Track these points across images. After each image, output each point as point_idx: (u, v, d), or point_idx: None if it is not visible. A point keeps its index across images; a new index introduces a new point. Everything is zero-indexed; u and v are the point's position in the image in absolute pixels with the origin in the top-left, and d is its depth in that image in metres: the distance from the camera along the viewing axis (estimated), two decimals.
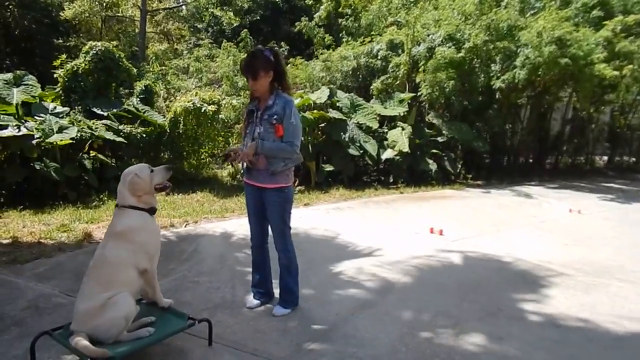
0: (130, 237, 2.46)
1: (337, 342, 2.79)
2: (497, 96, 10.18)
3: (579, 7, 9.47)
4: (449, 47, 9.69)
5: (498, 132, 11.20)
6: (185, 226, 5.56)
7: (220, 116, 9.11)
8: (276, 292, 3.26)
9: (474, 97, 9.97)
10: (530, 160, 12.37)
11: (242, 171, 3.11)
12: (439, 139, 9.89)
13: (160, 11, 21.38)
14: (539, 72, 8.79)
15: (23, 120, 7.11)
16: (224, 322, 2.99)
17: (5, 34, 15.80)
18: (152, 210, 2.62)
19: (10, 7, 16.35)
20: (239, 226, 5.37)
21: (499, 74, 9.32)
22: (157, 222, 2.70)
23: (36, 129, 6.79)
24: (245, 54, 2.99)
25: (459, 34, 9.97)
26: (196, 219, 5.89)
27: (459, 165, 10.13)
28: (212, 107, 8.57)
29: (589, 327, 3.15)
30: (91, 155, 7.73)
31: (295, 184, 8.94)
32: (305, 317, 3.10)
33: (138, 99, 9.24)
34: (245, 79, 2.97)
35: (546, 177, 11.09)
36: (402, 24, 11.01)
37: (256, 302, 3.24)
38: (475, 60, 9.78)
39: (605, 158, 14.38)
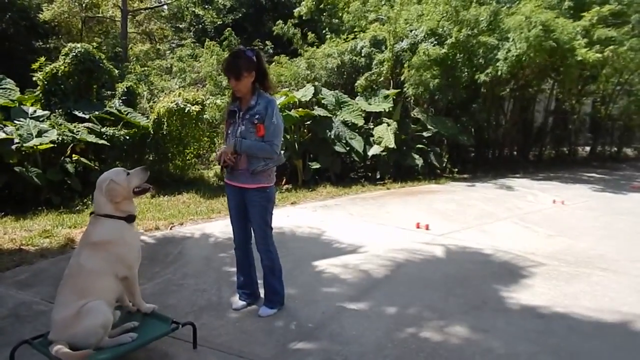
0: (106, 248, 2.40)
1: (323, 341, 2.79)
2: (481, 90, 10.26)
3: None
4: (432, 44, 9.74)
5: (483, 125, 11.31)
6: (170, 228, 5.51)
7: (204, 116, 9.04)
8: (262, 292, 3.25)
9: (458, 91, 10.04)
10: (515, 153, 12.51)
11: (222, 171, 3.08)
12: (425, 134, 9.94)
13: (141, 11, 21.11)
14: (524, 59, 8.86)
15: (2, 125, 6.97)
16: (209, 324, 2.97)
17: None
18: (130, 218, 2.53)
19: None
20: (225, 227, 5.31)
21: (482, 69, 9.39)
22: (135, 230, 2.65)
23: (15, 133, 6.66)
24: (228, 54, 2.95)
25: (441, 29, 10.02)
26: (182, 221, 5.83)
27: (445, 160, 10.20)
28: (196, 107, 8.49)
29: (571, 317, 3.20)
30: (74, 158, 7.61)
31: (283, 183, 8.92)
32: (291, 317, 3.09)
33: (120, 101, 9.12)
34: (227, 79, 2.93)
35: (530, 169, 11.23)
36: (384, 20, 11.01)
37: (242, 303, 3.22)
38: (458, 55, 9.85)
39: (588, 148, 14.60)
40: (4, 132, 6.66)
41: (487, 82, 9.57)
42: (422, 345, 2.77)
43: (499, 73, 9.09)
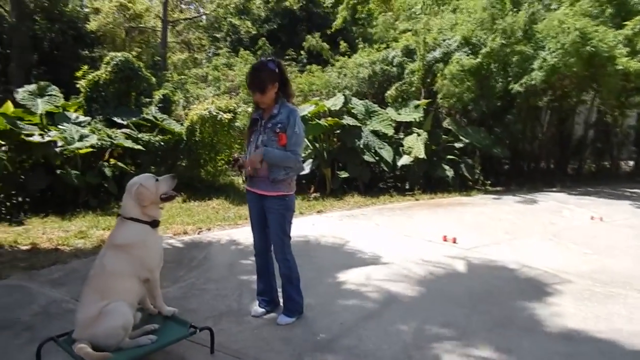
0: (129, 251, 2.48)
1: (340, 353, 2.77)
2: (516, 100, 9.97)
3: (593, 4, 9.22)
4: (466, 53, 9.59)
5: (517, 137, 10.98)
6: (198, 233, 5.63)
7: (236, 124, 9.23)
8: (282, 300, 3.27)
9: (492, 102, 9.81)
10: (552, 166, 12.05)
11: (244, 179, 3.14)
12: (456, 144, 9.76)
13: (181, 21, 21.86)
14: (559, 68, 8.57)
15: (46, 130, 7.36)
16: (227, 330, 3.00)
17: (34, 46, 16.42)
18: (154, 223, 2.61)
19: (39, 19, 17.00)
20: (251, 234, 5.37)
21: (517, 78, 9.15)
22: (159, 235, 2.72)
23: (58, 137, 7.02)
24: (251, 67, 3.00)
25: (475, 39, 9.86)
26: (209, 226, 5.95)
27: (477, 172, 9.95)
28: (227, 115, 8.69)
29: (603, 340, 3.03)
30: (111, 163, 7.93)
31: (311, 191, 8.96)
32: (309, 326, 3.09)
33: (157, 108, 9.45)
34: (252, 93, 2.98)
35: (568, 183, 10.78)
36: (414, 30, 10.95)
37: (261, 310, 3.25)
38: (493, 65, 9.64)
39: (631, 163, 13.88)
40: (49, 136, 7.02)
41: (522, 92, 9.30)
42: None
43: (534, 83, 8.83)
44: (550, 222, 6.68)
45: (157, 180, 2.65)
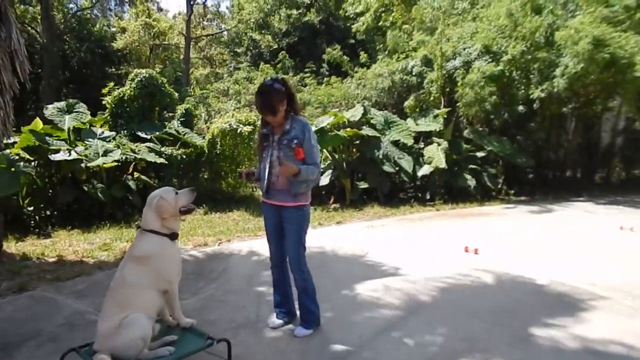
0: (147, 263, 2.52)
1: None
2: (538, 107, 9.78)
3: (620, 10, 9.01)
4: (486, 61, 9.50)
5: (541, 145, 10.75)
6: (218, 244, 5.70)
7: (256, 136, 9.34)
8: (298, 312, 3.26)
9: (514, 109, 9.65)
10: (578, 175, 11.74)
11: (253, 189, 3.21)
12: (478, 153, 9.63)
13: (203, 37, 22.41)
14: (580, 74, 8.41)
15: (74, 145, 7.61)
16: (245, 341, 3.01)
17: (63, 64, 17.11)
18: (173, 236, 2.65)
19: (68, 39, 17.73)
20: None
21: (538, 85, 8.99)
22: (177, 247, 2.76)
23: (83, 154, 7.24)
24: (256, 91, 3.05)
25: (496, 46, 9.76)
26: (229, 238, 6.01)
27: (500, 181, 9.78)
28: (247, 128, 8.81)
29: (632, 356, 2.91)
30: (135, 176, 8.13)
31: (330, 202, 8.96)
32: (326, 339, 3.07)
33: (179, 122, 9.66)
34: (262, 114, 3.01)
35: (596, 192, 10.48)
36: (428, 41, 10.91)
37: (279, 322, 3.24)
38: (515, 72, 9.51)
39: None
40: (75, 152, 7.26)
41: (544, 98, 9.12)
42: None
43: (555, 89, 8.66)
44: (577, 232, 6.49)
45: (176, 193, 2.70)
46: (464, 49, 10.17)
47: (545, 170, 11.36)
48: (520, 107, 9.80)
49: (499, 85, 9.47)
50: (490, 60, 9.63)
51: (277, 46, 18.70)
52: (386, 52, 13.44)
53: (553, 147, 11.27)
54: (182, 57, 20.32)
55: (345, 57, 14.04)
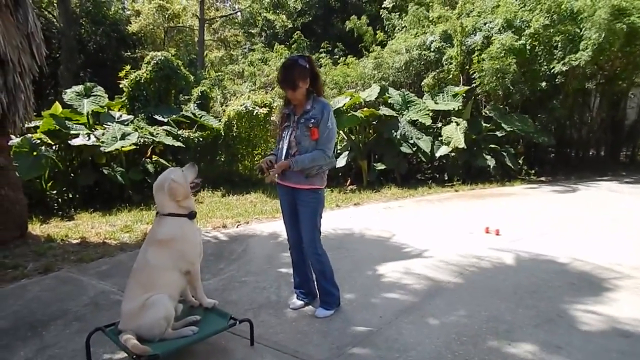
0: (170, 245, 2.53)
1: (379, 347, 2.73)
2: (560, 84, 9.45)
3: None
4: (508, 35, 9.18)
5: (564, 123, 10.44)
6: (237, 226, 5.73)
7: (272, 118, 9.29)
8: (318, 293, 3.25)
9: (536, 85, 9.35)
10: (602, 154, 11.41)
11: (275, 183, 3.15)
12: (498, 133, 9.40)
13: (217, 19, 22.23)
14: (602, 48, 8.07)
15: (93, 129, 7.69)
16: (267, 322, 3.02)
17: (80, 48, 17.20)
18: (191, 215, 2.65)
19: (84, 23, 17.77)
20: None
21: (561, 60, 8.68)
22: (197, 227, 2.76)
23: (102, 138, 7.31)
24: (280, 65, 2.99)
25: (518, 21, 9.42)
26: (248, 220, 6.04)
27: (520, 161, 9.56)
28: (263, 110, 8.77)
29: None
30: (153, 159, 8.20)
31: (347, 184, 8.92)
32: (347, 320, 3.06)
33: (195, 105, 9.67)
34: (283, 90, 2.96)
35: (621, 171, 10.19)
36: (449, 16, 10.57)
37: (299, 302, 3.25)
38: (537, 47, 9.19)
39: None
40: (94, 136, 7.33)
41: (567, 74, 8.80)
42: (486, 359, 2.60)
43: (578, 63, 8.33)
44: (602, 212, 6.33)
45: (182, 171, 2.67)
46: (485, 24, 9.84)
47: (568, 149, 11.07)
48: (543, 84, 9.49)
49: (520, 60, 9.17)
50: (511, 35, 9.31)
51: (291, 25, 18.43)
52: (402, 30, 13.08)
53: (576, 125, 10.94)
54: (196, 39, 20.23)
55: (369, 27, 13.65)
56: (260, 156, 9.65)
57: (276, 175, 2.97)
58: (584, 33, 8.43)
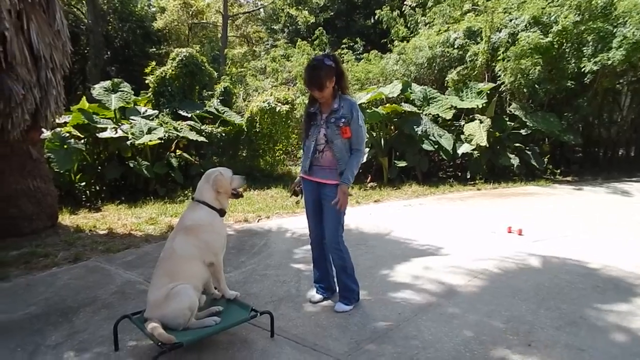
0: (197, 233, 2.62)
1: (397, 343, 2.74)
2: (589, 82, 9.19)
3: None
4: (534, 32, 8.98)
5: (592, 122, 10.17)
6: (258, 221, 5.80)
7: (298, 115, 9.34)
8: (338, 288, 3.28)
9: (562, 84, 9.12)
10: (632, 154, 11.07)
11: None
12: (522, 131, 9.23)
13: (240, 15, 22.40)
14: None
15: (120, 123, 7.89)
16: (287, 315, 3.08)
17: (107, 45, 17.62)
18: (222, 212, 2.78)
19: (111, 19, 18.18)
20: (307, 222, 5.46)
21: (591, 58, 8.43)
22: (224, 223, 2.86)
23: (129, 132, 7.49)
24: (306, 65, 3.02)
25: (546, 17, 9.20)
26: (269, 214, 6.11)
27: (545, 160, 9.37)
28: (285, 106, 8.83)
29: None
30: (177, 154, 8.36)
31: (368, 181, 8.90)
32: (366, 315, 3.08)
33: (218, 101, 9.80)
34: (310, 90, 2.99)
35: None
36: (480, 10, 10.39)
37: (319, 297, 3.29)
38: (565, 44, 8.96)
39: None
40: (121, 130, 7.52)
41: (597, 72, 8.55)
42: (505, 359, 2.59)
43: (611, 62, 8.09)
44: (629, 214, 6.16)
45: (233, 174, 2.85)
46: (510, 20, 9.65)
47: (595, 148, 10.78)
48: (570, 82, 9.26)
49: (546, 58, 8.96)
50: (538, 32, 9.10)
51: (314, 21, 18.42)
52: (426, 26, 12.91)
53: (604, 124, 10.64)
54: (219, 35, 20.45)
55: (399, 17, 13.50)
56: (281, 151, 9.73)
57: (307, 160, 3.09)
58: (617, 30, 8.17)
